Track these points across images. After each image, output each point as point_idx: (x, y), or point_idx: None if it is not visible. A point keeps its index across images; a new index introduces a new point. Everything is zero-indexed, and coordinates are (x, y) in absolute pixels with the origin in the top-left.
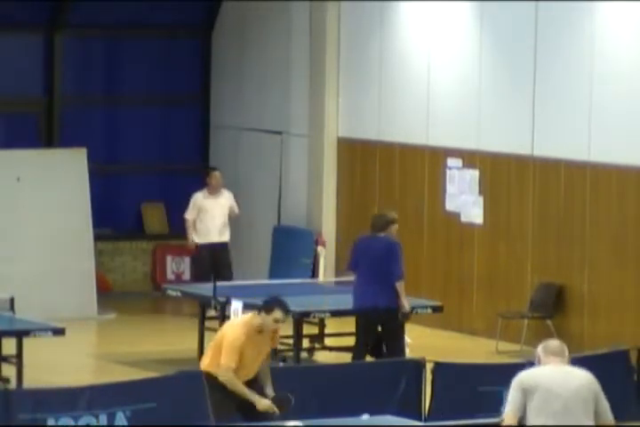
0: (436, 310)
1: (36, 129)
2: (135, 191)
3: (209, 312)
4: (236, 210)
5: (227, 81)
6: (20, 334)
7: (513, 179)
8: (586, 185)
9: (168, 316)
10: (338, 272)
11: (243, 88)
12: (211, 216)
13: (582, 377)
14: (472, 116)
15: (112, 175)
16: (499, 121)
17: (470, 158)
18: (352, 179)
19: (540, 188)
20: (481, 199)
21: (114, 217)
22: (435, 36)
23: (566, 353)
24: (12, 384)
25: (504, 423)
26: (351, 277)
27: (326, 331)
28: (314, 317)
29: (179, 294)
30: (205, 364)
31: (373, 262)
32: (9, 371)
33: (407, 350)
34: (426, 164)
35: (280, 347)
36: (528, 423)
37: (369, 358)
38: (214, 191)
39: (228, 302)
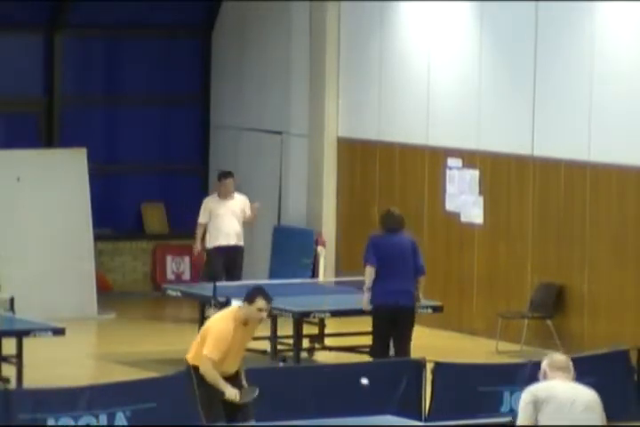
0: (436, 310)
1: (36, 129)
2: (135, 191)
3: (209, 312)
4: (248, 213)
5: (227, 81)
6: (20, 334)
7: (513, 179)
8: (586, 185)
9: (168, 316)
10: (338, 272)
11: (243, 88)
12: (221, 220)
13: (590, 392)
14: (472, 116)
15: (112, 175)
16: (499, 121)
17: (470, 158)
18: (352, 179)
19: (540, 188)
20: (481, 199)
21: (114, 217)
22: (435, 36)
23: (572, 368)
24: (12, 384)
25: None
26: (351, 278)
27: (326, 331)
28: (314, 317)
29: (179, 294)
30: (190, 358)
31: (399, 261)
32: (9, 371)
33: None
34: (426, 164)
35: (280, 347)
36: None
37: (369, 358)
38: (225, 196)
39: (227, 302)
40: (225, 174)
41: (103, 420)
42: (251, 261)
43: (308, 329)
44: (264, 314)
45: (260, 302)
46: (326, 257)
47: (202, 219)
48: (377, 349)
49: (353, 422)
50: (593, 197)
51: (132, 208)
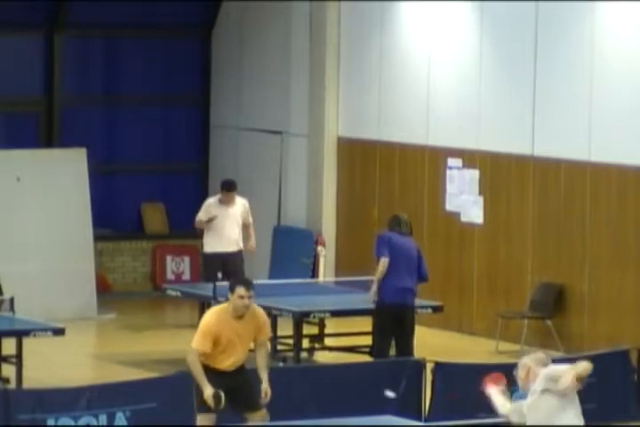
0: (436, 310)
1: (36, 129)
2: (135, 191)
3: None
4: (250, 220)
5: (227, 81)
6: (20, 334)
7: (513, 179)
8: (586, 185)
9: (168, 316)
10: (338, 272)
11: (243, 88)
12: (221, 226)
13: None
14: (472, 116)
15: (112, 175)
16: (499, 121)
17: (470, 158)
18: (352, 179)
19: (540, 188)
20: (481, 199)
21: (114, 217)
22: (435, 36)
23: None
24: (12, 384)
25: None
26: (351, 278)
27: (326, 331)
28: (314, 317)
29: (179, 294)
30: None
31: (408, 261)
32: (9, 371)
33: None
34: (426, 164)
35: (280, 347)
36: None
37: (369, 358)
38: (227, 204)
39: None
40: (230, 187)
41: (103, 420)
42: (251, 260)
43: (308, 329)
44: (246, 301)
45: (239, 290)
46: (326, 257)
47: (202, 216)
48: (381, 347)
49: (353, 422)
50: (593, 197)
51: (131, 208)
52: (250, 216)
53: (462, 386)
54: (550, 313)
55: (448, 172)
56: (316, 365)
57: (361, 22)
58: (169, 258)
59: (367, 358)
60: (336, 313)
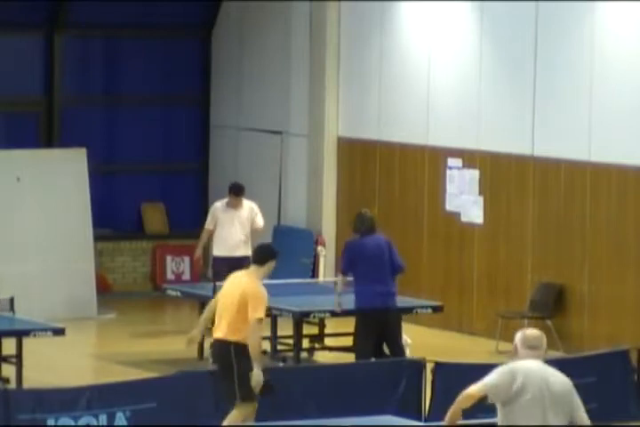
0: (436, 310)
1: (36, 129)
2: (135, 191)
3: None
4: (260, 223)
5: (227, 81)
6: (20, 334)
7: (513, 179)
8: (586, 185)
9: (168, 316)
10: (338, 272)
11: (243, 88)
12: (227, 230)
13: (560, 378)
14: (472, 116)
15: (112, 175)
16: (499, 121)
17: (470, 158)
18: (352, 179)
19: (540, 188)
20: (481, 199)
21: (114, 217)
22: (435, 36)
23: (543, 345)
24: (12, 384)
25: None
26: (350, 278)
27: (326, 331)
28: (314, 317)
29: (179, 294)
30: (225, 333)
31: (378, 262)
32: (9, 371)
33: (407, 351)
34: (426, 164)
35: (280, 347)
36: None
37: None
38: (234, 207)
39: None
40: (238, 191)
41: (103, 420)
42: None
43: (308, 329)
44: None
45: (273, 263)
46: (326, 257)
47: (209, 225)
48: (363, 350)
49: (353, 422)
50: (593, 197)
51: (131, 208)
52: (260, 219)
53: (462, 386)
54: (550, 313)
55: (448, 172)
56: (315, 365)
57: (361, 22)
58: (169, 258)
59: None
60: (336, 313)
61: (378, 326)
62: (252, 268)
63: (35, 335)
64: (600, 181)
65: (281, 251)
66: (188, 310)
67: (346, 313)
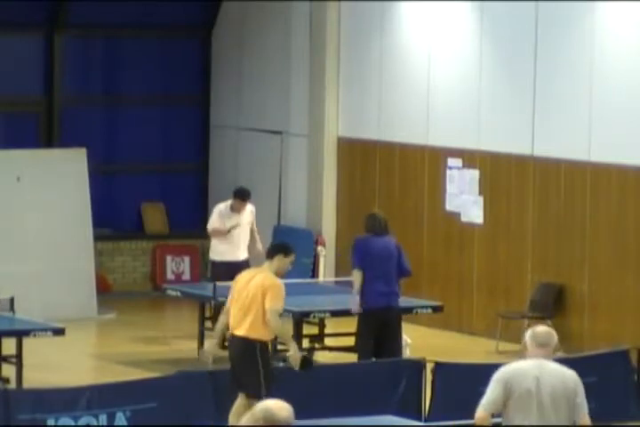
0: (436, 310)
1: (36, 129)
2: (135, 191)
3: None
4: (254, 227)
5: (227, 81)
6: (20, 334)
7: (513, 179)
8: (586, 185)
9: (168, 316)
10: (338, 272)
11: (243, 88)
12: (230, 234)
13: (561, 375)
14: (472, 116)
15: (112, 175)
16: (499, 121)
17: (470, 158)
18: (352, 179)
19: (540, 188)
20: (481, 199)
21: (114, 217)
22: (435, 35)
23: (553, 342)
24: (12, 384)
25: (476, 415)
26: (350, 278)
27: (326, 331)
28: (314, 317)
29: (179, 294)
30: (247, 330)
31: (388, 263)
32: (9, 371)
33: (407, 351)
34: (426, 164)
35: (280, 347)
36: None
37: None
38: (238, 211)
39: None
40: (244, 196)
41: (103, 420)
42: (251, 261)
43: (308, 329)
44: (291, 266)
45: (293, 256)
46: (326, 257)
47: (219, 224)
48: (364, 349)
49: (353, 422)
50: (593, 197)
51: (131, 208)
52: (254, 221)
53: (462, 386)
54: (550, 313)
55: (448, 172)
56: (316, 365)
57: (361, 22)
58: (169, 258)
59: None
60: (336, 313)
61: (378, 326)
62: (265, 264)
63: (35, 335)
64: (600, 181)
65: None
66: (188, 310)
67: (344, 313)
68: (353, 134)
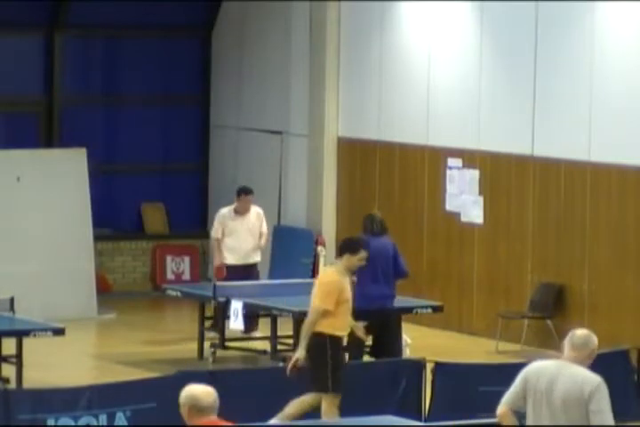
0: (436, 310)
1: (36, 129)
2: (135, 191)
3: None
4: (264, 230)
5: (227, 81)
6: (20, 334)
7: (513, 179)
8: (586, 185)
9: (168, 316)
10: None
11: (243, 88)
12: (236, 238)
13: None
14: (472, 116)
15: (112, 175)
16: (499, 121)
17: (470, 158)
18: (352, 179)
19: (540, 188)
20: (481, 199)
21: (114, 217)
22: (435, 35)
23: (590, 346)
24: (12, 384)
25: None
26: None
27: None
28: None
29: (179, 294)
30: (324, 325)
31: (383, 263)
32: (9, 371)
33: (407, 351)
34: (426, 164)
35: (280, 347)
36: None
37: (368, 358)
38: (242, 213)
39: (228, 302)
40: (246, 191)
41: (103, 420)
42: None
43: None
44: (364, 262)
45: (363, 253)
46: (326, 257)
47: (217, 234)
48: (356, 350)
49: (353, 422)
50: (593, 197)
51: (131, 208)
52: (265, 226)
53: (462, 386)
54: (550, 313)
55: (448, 172)
56: None
57: (361, 22)
58: (169, 258)
59: (367, 358)
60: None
61: (374, 328)
62: (338, 260)
63: (35, 335)
64: (600, 181)
65: (281, 251)
66: (188, 310)
67: None
68: (353, 134)
